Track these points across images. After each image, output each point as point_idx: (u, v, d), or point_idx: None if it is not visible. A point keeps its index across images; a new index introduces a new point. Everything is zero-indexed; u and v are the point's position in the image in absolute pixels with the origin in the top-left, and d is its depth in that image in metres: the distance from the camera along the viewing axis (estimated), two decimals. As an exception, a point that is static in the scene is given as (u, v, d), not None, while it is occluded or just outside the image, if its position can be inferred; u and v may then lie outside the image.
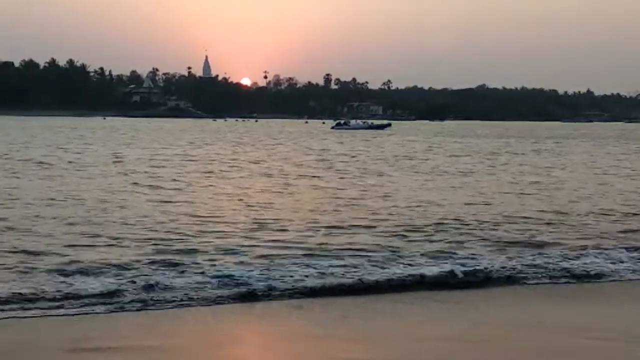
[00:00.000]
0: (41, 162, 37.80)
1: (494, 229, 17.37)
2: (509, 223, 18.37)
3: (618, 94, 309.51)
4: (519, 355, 8.37)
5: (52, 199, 22.00)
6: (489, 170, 37.76)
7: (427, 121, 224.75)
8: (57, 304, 10.31)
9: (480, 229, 17.28)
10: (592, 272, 12.98)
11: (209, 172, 34.28)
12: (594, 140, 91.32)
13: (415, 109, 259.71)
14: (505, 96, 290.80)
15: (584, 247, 15.21)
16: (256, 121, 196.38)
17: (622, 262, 13.87)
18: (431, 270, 12.55)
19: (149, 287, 11.10)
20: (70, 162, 38.86)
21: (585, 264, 13.52)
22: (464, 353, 8.41)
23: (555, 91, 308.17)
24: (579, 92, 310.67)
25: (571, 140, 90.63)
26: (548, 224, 18.40)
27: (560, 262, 13.63)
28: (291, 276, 11.94)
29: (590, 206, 22.27)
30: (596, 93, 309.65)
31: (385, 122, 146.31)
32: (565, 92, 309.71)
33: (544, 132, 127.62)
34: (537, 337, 9.04)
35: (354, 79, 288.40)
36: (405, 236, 16.20)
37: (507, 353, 8.48)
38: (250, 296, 10.98)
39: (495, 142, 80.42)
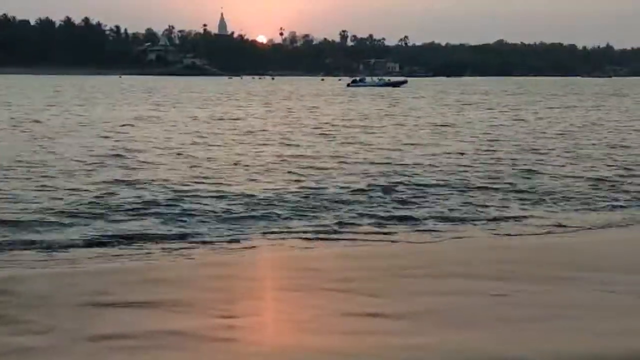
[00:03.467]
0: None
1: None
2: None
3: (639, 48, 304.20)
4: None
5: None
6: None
7: (444, 78, 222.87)
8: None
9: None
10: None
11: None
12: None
13: (432, 66, 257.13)
14: (523, 51, 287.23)
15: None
16: (272, 79, 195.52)
17: None
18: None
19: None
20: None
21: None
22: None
23: (574, 46, 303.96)
24: (599, 46, 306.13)
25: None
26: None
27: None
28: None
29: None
30: (616, 47, 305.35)
31: (401, 79, 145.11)
32: (584, 46, 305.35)
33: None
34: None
35: (370, 36, 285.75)
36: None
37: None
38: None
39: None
